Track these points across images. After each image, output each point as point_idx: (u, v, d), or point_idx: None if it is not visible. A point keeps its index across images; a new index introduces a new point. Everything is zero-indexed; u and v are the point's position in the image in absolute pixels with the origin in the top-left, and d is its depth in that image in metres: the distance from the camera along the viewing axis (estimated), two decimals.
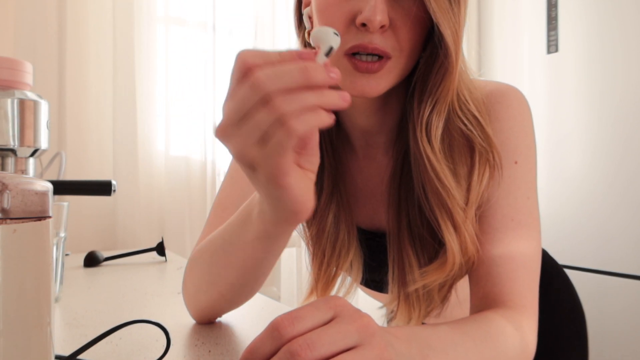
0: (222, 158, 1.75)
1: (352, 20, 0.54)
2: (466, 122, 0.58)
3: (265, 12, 1.84)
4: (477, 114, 0.58)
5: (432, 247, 0.61)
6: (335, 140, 0.68)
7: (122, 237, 1.48)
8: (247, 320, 0.73)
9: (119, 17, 1.49)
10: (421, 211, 0.60)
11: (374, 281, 0.76)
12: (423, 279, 0.60)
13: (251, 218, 0.51)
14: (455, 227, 0.57)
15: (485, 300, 0.57)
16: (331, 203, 0.69)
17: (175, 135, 1.59)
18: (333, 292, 0.76)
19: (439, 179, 0.57)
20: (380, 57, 0.54)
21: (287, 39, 1.81)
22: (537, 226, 0.60)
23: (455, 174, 0.58)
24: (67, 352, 0.52)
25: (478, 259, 0.59)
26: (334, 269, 0.71)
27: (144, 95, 1.52)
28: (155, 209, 1.55)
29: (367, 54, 0.54)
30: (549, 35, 1.76)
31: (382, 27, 0.52)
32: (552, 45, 1.75)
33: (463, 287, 0.64)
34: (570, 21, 1.70)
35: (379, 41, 0.53)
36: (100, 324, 0.68)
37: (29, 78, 0.76)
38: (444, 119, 0.57)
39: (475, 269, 0.59)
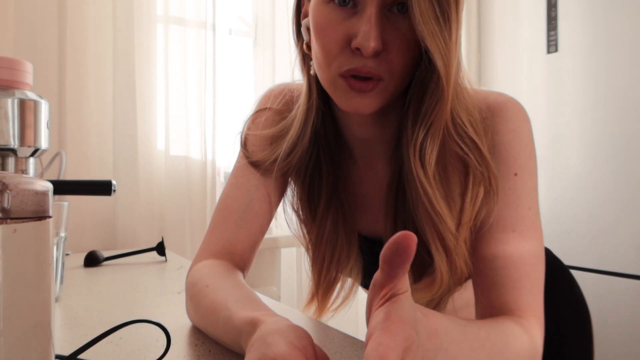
0: (222, 158, 1.75)
1: (347, 42, 0.55)
2: (462, 145, 0.58)
3: (265, 12, 1.84)
4: (475, 137, 0.58)
5: (424, 261, 0.61)
6: (334, 149, 0.69)
7: (122, 237, 1.48)
8: None
9: (119, 17, 1.49)
10: (415, 226, 0.61)
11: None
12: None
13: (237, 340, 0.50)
14: (446, 250, 0.58)
15: (491, 310, 0.58)
16: (329, 209, 0.69)
17: (175, 135, 1.59)
18: (333, 297, 0.76)
19: (431, 204, 0.57)
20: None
21: (287, 39, 1.80)
22: (539, 235, 0.60)
23: (448, 197, 0.58)
24: (67, 352, 0.52)
25: (482, 269, 0.59)
26: (334, 273, 0.72)
27: (144, 95, 1.52)
28: (155, 208, 1.55)
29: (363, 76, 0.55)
30: (549, 35, 1.76)
31: (376, 52, 0.53)
32: (552, 45, 1.75)
33: (460, 296, 0.65)
34: (570, 21, 1.70)
35: (372, 65, 0.54)
36: (100, 324, 0.68)
37: (29, 78, 0.76)
38: (438, 143, 0.57)
39: (480, 280, 0.60)
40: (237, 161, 0.73)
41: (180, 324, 0.68)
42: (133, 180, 1.49)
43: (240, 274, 0.64)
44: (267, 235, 1.80)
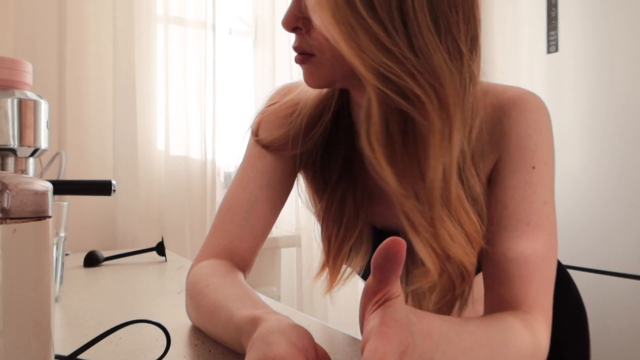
0: (222, 158, 1.75)
1: None
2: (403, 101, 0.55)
3: (265, 12, 1.84)
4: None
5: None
6: (351, 132, 0.69)
7: (122, 237, 1.48)
8: None
9: (119, 17, 1.49)
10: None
11: None
12: (412, 284, 0.60)
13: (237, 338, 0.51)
14: (416, 229, 0.57)
15: (499, 303, 0.57)
16: (341, 181, 0.69)
17: (175, 135, 1.59)
18: (342, 268, 0.74)
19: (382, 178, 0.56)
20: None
21: (287, 39, 1.80)
22: (554, 231, 0.60)
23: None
24: (67, 352, 0.52)
25: (493, 262, 0.58)
26: (343, 243, 0.71)
27: (144, 95, 1.52)
28: (155, 208, 1.55)
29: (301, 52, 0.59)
30: (549, 35, 1.76)
31: (295, 29, 0.58)
32: (552, 45, 1.75)
33: (479, 287, 0.64)
34: (570, 21, 1.70)
35: (297, 42, 0.59)
36: (100, 324, 0.68)
37: (29, 78, 0.76)
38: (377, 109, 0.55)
39: (490, 273, 0.59)
40: (242, 162, 0.73)
41: (180, 324, 0.68)
42: (133, 180, 1.49)
43: (240, 274, 0.64)
44: None
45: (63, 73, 1.41)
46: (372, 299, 0.38)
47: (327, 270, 0.73)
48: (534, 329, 0.54)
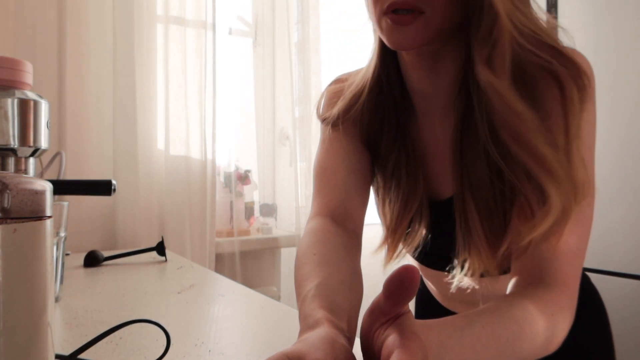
0: (222, 158, 1.75)
1: None
2: (540, 53, 0.55)
3: (265, 12, 1.84)
4: (551, 42, 0.55)
5: (497, 217, 0.59)
6: (398, 99, 0.69)
7: (122, 237, 1.48)
8: (247, 320, 0.73)
9: (119, 16, 1.49)
10: (491, 173, 0.58)
11: (439, 255, 0.74)
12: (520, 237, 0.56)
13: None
14: (544, 163, 0.53)
15: (522, 274, 0.56)
16: (392, 151, 0.70)
17: (175, 135, 1.59)
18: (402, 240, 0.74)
19: (511, 109, 0.53)
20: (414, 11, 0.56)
21: (287, 39, 1.81)
22: (588, 201, 0.56)
23: (538, 110, 0.55)
24: (67, 352, 0.52)
25: (517, 230, 0.56)
26: (403, 214, 0.70)
27: (144, 95, 1.52)
28: (155, 208, 1.55)
29: (404, 10, 0.56)
30: None
31: None
32: None
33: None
34: (570, 21, 1.70)
35: None
36: (100, 323, 0.68)
37: (29, 78, 0.76)
38: (509, 54, 0.54)
39: (517, 245, 0.57)
40: (319, 150, 0.74)
41: (180, 324, 0.68)
42: (133, 180, 1.49)
43: (347, 252, 0.63)
44: (267, 235, 1.81)
45: (63, 73, 1.41)
46: (381, 318, 0.39)
47: (386, 245, 0.72)
48: (551, 311, 0.51)
